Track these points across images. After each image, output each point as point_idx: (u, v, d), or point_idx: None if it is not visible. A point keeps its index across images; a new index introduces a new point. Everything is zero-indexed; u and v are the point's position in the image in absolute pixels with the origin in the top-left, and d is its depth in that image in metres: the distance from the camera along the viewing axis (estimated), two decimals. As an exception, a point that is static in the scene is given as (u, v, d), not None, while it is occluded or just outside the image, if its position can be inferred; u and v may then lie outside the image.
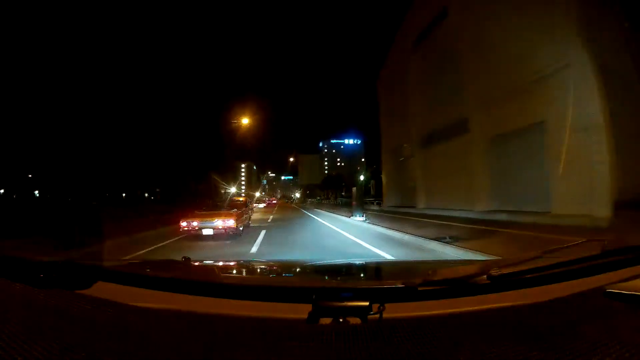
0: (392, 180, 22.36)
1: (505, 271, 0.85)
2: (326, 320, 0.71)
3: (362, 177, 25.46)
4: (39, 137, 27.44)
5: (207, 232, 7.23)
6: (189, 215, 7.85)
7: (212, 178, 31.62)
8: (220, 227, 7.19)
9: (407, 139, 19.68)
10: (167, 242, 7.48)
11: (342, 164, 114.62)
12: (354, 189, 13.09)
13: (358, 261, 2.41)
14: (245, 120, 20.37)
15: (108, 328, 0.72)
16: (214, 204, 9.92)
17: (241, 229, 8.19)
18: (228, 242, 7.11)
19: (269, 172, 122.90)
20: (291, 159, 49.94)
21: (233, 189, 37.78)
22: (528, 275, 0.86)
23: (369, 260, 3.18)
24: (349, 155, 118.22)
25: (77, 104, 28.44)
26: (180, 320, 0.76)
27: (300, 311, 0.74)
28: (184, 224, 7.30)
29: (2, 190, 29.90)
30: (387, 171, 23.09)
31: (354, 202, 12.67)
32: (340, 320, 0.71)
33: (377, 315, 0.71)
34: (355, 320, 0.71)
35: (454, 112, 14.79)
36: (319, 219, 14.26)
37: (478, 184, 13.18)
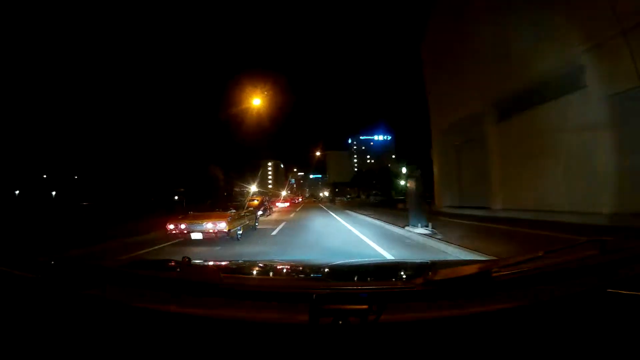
0: (447, 172, 16.87)
1: (505, 271, 0.86)
2: (326, 321, 0.70)
3: (404, 170, 20.26)
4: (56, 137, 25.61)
5: (195, 236, 6.43)
6: (178, 217, 7.16)
7: (228, 175, 28.21)
8: (210, 231, 6.36)
9: (470, 111, 14.26)
10: (150, 249, 6.38)
11: (372, 161, 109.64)
12: (412, 182, 7.77)
13: (358, 262, 2.13)
14: (256, 101, 16.17)
15: (109, 328, 0.72)
16: (214, 204, 8.88)
17: (240, 232, 7.17)
18: (218, 248, 6.19)
19: (295, 170, 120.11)
20: (317, 153, 45.30)
21: (253, 188, 35.18)
22: (528, 275, 0.86)
23: (369, 260, 2.83)
24: (379, 151, 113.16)
25: (85, 103, 26.17)
26: (181, 320, 0.76)
27: (301, 312, 0.73)
28: (171, 226, 6.57)
29: (17, 192, 28.61)
30: (440, 160, 17.38)
31: (407, 204, 7.81)
32: (340, 322, 0.69)
33: (377, 317, 0.71)
34: (355, 321, 0.70)
35: (553, 60, 9.45)
36: (353, 229, 9.23)
37: (605, 170, 7.85)
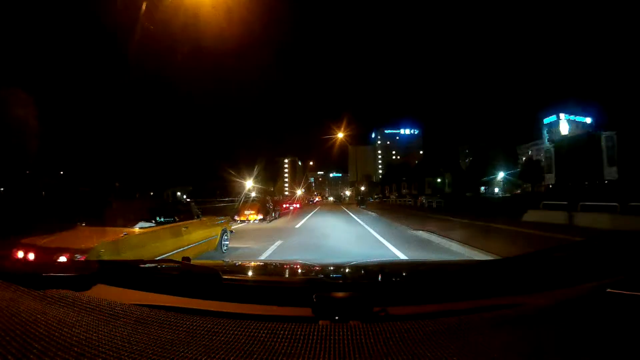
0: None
1: (502, 270, 0.92)
2: (326, 321, 0.71)
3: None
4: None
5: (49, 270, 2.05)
6: (30, 237, 3.94)
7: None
8: (62, 265, 2.44)
9: None
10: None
11: (398, 157, 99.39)
12: None
13: (361, 261, 1.93)
14: None
15: (107, 330, 0.71)
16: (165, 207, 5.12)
17: None
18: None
19: (311, 163, 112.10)
20: (340, 135, 35.73)
21: (249, 183, 28.22)
22: (526, 273, 0.90)
23: (372, 260, 2.43)
24: (406, 147, 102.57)
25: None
26: (180, 320, 0.76)
27: (301, 312, 0.75)
28: (20, 253, 3.68)
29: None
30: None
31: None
32: (341, 321, 0.70)
33: (379, 316, 0.72)
34: (356, 321, 0.70)
35: None
36: None
37: None
